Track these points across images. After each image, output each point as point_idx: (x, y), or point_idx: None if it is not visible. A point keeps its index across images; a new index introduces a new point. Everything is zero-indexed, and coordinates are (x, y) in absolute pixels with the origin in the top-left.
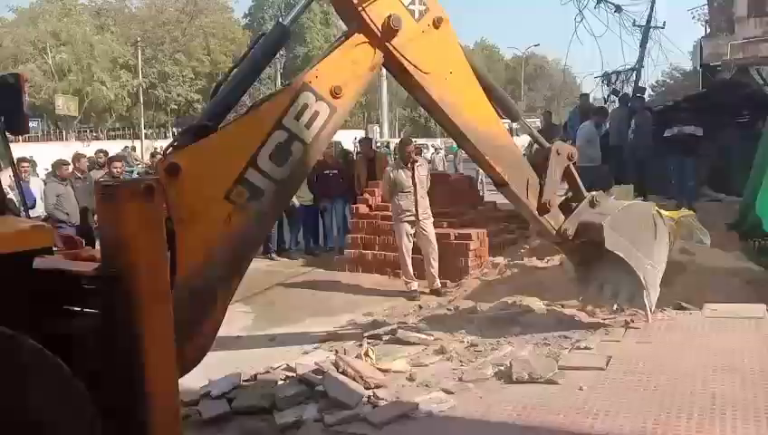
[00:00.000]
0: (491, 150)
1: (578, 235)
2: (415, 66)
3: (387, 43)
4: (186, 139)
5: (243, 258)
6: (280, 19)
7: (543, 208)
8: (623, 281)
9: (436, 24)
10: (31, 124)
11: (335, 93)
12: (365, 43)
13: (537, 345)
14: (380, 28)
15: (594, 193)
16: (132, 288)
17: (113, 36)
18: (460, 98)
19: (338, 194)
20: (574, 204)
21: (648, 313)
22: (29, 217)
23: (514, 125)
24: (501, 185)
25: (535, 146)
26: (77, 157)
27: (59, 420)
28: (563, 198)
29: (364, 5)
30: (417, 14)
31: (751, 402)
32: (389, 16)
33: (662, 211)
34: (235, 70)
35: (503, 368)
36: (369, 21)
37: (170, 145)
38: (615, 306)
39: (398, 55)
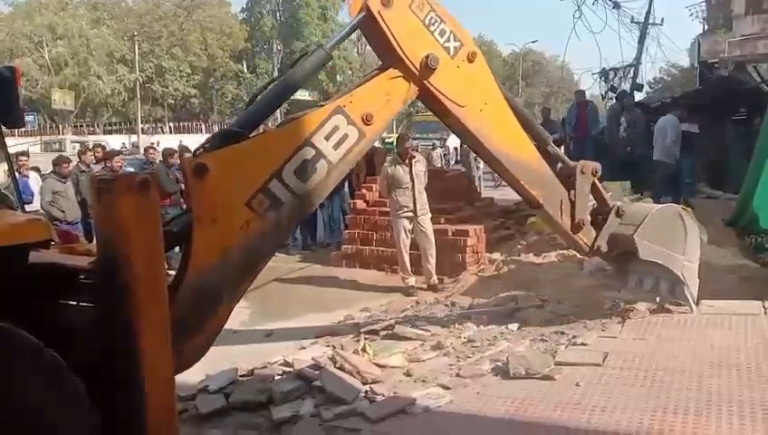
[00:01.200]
0: (524, 175)
1: (610, 248)
2: (451, 101)
3: (424, 81)
4: (216, 142)
5: (254, 265)
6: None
7: (577, 227)
8: (662, 273)
9: (471, 58)
10: (27, 118)
11: (366, 120)
12: (400, 77)
13: (534, 341)
14: (419, 67)
15: (618, 203)
16: (128, 282)
17: (110, 30)
18: (495, 127)
19: (334, 191)
20: (600, 216)
21: (692, 304)
22: (25, 212)
23: None
24: (536, 207)
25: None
26: (83, 150)
27: (55, 414)
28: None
29: (401, 45)
30: (452, 51)
31: (747, 399)
32: (427, 56)
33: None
34: (275, 83)
35: (500, 363)
36: (407, 62)
37: (201, 146)
38: (658, 298)
39: (435, 91)
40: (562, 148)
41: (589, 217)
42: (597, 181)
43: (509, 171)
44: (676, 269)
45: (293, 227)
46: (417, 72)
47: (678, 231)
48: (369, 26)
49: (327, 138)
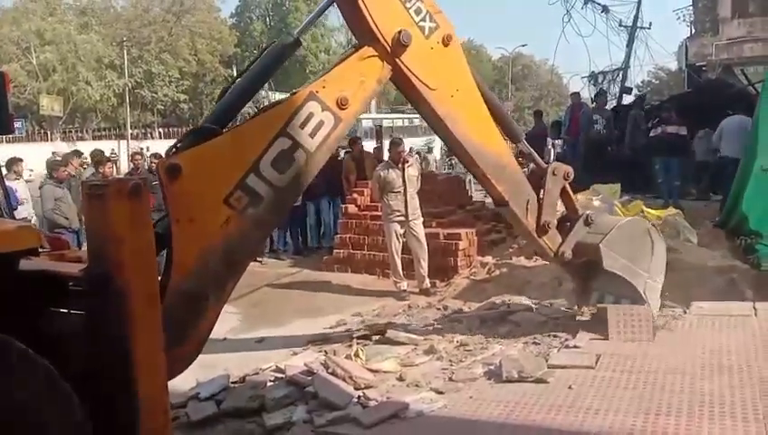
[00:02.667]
0: (492, 169)
1: (575, 255)
2: (422, 82)
3: (396, 59)
4: (189, 141)
5: (238, 264)
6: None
7: (542, 230)
8: (624, 292)
9: (446, 41)
10: (15, 125)
11: (341, 104)
12: (374, 56)
13: (527, 344)
14: (390, 43)
15: (588, 212)
16: (120, 289)
17: (98, 36)
18: (465, 116)
19: (320, 194)
20: (568, 223)
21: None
22: (13, 218)
23: None
24: (501, 204)
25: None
26: (74, 155)
27: (47, 422)
28: (559, 217)
29: (375, 20)
30: (426, 31)
31: (738, 400)
32: (400, 32)
33: (653, 215)
34: (243, 76)
35: (492, 367)
36: (379, 35)
37: (173, 146)
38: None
39: (405, 70)
40: (552, 152)
41: (555, 221)
42: (568, 186)
43: (476, 163)
44: (638, 286)
45: (277, 221)
46: (388, 49)
47: (645, 247)
48: (345, 3)
49: (302, 126)
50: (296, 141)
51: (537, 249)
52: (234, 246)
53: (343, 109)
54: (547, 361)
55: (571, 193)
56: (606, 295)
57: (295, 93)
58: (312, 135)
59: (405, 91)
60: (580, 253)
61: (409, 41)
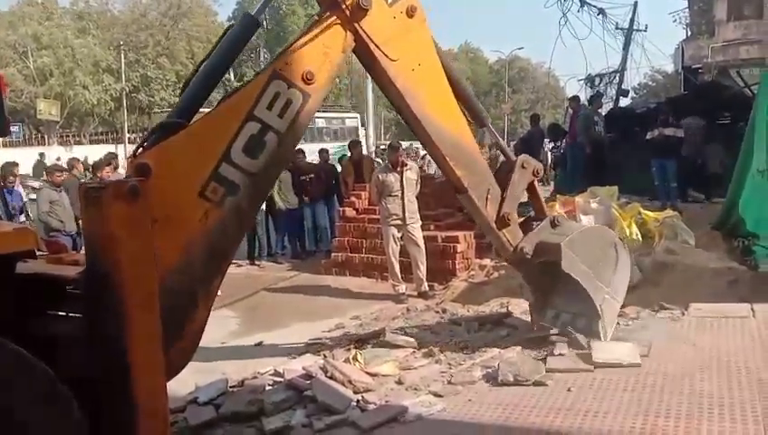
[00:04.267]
0: (452, 151)
1: (535, 254)
2: (381, 51)
3: (355, 24)
4: (155, 137)
5: (223, 257)
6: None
7: (502, 222)
8: (579, 311)
9: (410, 12)
10: (12, 129)
11: (307, 79)
12: (336, 25)
13: (525, 347)
14: (349, 7)
15: (556, 214)
16: (117, 291)
17: (95, 40)
18: (425, 92)
19: (317, 197)
20: (535, 223)
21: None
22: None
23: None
24: (459, 191)
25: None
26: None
27: (44, 425)
28: (525, 217)
29: None
30: None
31: (737, 401)
32: None
33: (650, 217)
34: (205, 63)
35: (491, 370)
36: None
37: (140, 145)
38: (569, 334)
39: (365, 37)
40: (550, 156)
41: (516, 215)
42: (536, 184)
43: (435, 144)
44: (596, 299)
45: (257, 208)
46: (347, 13)
47: (609, 260)
48: None
49: (269, 107)
50: (265, 124)
51: (495, 243)
52: (216, 239)
53: (310, 83)
54: (545, 363)
55: (539, 192)
56: (562, 314)
57: (258, 75)
58: (281, 115)
59: (365, 62)
60: (540, 252)
61: (369, 5)
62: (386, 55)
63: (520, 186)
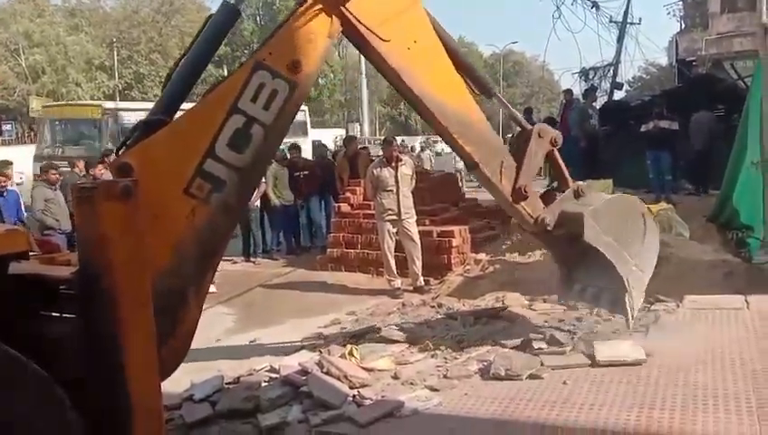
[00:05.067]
0: (459, 127)
1: (558, 226)
2: (372, 32)
3: (341, 7)
4: (137, 136)
5: (212, 253)
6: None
7: (518, 195)
8: (605, 285)
9: None
10: (5, 127)
11: (293, 68)
12: (319, 10)
13: (520, 341)
14: None
15: (580, 183)
16: (110, 291)
17: (88, 37)
18: (423, 70)
19: (311, 193)
20: (558, 195)
21: (630, 319)
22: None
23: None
24: (471, 167)
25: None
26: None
27: (39, 426)
28: (549, 187)
29: None
30: None
31: (732, 393)
32: None
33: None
34: (185, 56)
35: (486, 364)
36: None
37: (122, 144)
38: (595, 310)
39: (353, 20)
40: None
41: (533, 187)
42: (557, 154)
43: (440, 121)
44: (622, 272)
45: (245, 204)
46: None
47: (637, 231)
48: None
49: (254, 99)
50: (250, 117)
51: (514, 216)
52: (204, 236)
53: (296, 73)
54: (540, 357)
55: (560, 161)
56: (588, 289)
57: (241, 66)
58: (267, 107)
59: (357, 44)
60: (562, 223)
61: None
62: (377, 36)
63: (537, 156)
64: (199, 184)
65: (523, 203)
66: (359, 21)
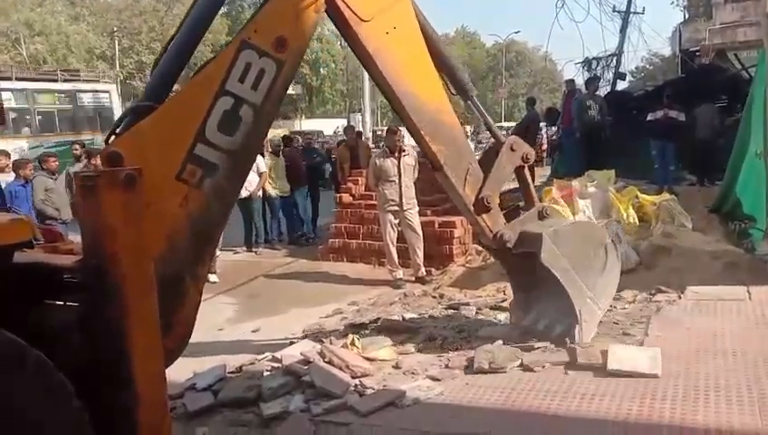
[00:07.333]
0: (429, 125)
1: (517, 244)
2: (351, 9)
3: None
4: (126, 123)
5: (208, 239)
6: None
7: (480, 205)
8: (559, 317)
9: None
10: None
11: (280, 46)
12: None
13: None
14: None
15: (546, 204)
16: (114, 280)
17: (89, 26)
18: (400, 58)
19: (297, 185)
20: (523, 212)
21: (577, 355)
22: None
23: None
24: (436, 168)
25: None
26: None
27: (43, 415)
28: (514, 205)
29: None
30: None
31: (734, 384)
32: None
33: (647, 201)
34: (173, 40)
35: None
36: None
37: (111, 132)
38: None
39: None
40: (546, 139)
41: (497, 199)
42: (527, 171)
43: (410, 116)
44: (576, 301)
45: (239, 187)
46: None
47: (597, 261)
48: None
49: (241, 80)
50: (239, 98)
51: (474, 227)
52: (198, 222)
53: (283, 50)
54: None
55: (529, 180)
56: (541, 318)
57: (228, 45)
58: (255, 87)
59: (338, 23)
60: (521, 242)
61: None
62: (355, 14)
63: (505, 169)
64: (191, 169)
65: (484, 215)
66: None
